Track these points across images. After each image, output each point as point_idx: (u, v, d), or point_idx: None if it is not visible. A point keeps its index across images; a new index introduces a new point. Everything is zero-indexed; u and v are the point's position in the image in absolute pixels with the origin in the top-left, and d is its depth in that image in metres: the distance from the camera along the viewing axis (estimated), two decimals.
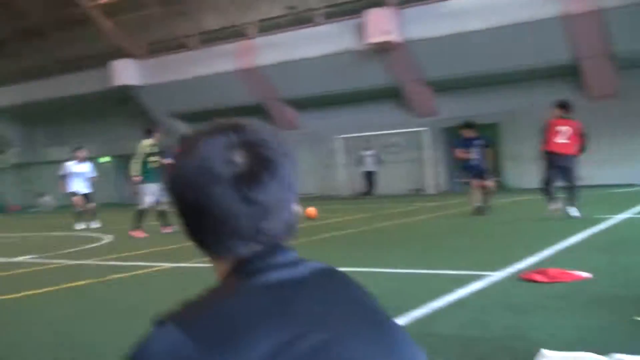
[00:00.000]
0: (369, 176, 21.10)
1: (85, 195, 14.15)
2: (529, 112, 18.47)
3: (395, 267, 6.08)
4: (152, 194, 11.10)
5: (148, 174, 11.04)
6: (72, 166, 14.26)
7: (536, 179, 11.12)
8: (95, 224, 13.96)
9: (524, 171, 18.38)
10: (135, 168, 11.20)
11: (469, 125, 12.52)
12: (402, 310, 4.19)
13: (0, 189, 27.50)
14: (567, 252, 6.45)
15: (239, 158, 0.93)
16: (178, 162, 0.98)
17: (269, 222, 0.94)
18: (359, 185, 21.80)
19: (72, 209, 14.60)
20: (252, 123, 1.00)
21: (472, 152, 12.08)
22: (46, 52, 27.81)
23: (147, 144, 11.26)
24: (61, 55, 27.45)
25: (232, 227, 0.93)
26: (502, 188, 18.40)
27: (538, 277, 5.03)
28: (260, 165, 0.94)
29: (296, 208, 1.01)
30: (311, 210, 12.85)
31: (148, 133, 11.57)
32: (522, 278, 5.11)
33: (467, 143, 12.20)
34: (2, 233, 14.41)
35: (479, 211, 11.55)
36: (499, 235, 8.56)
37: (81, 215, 14.04)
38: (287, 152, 0.99)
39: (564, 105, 10.17)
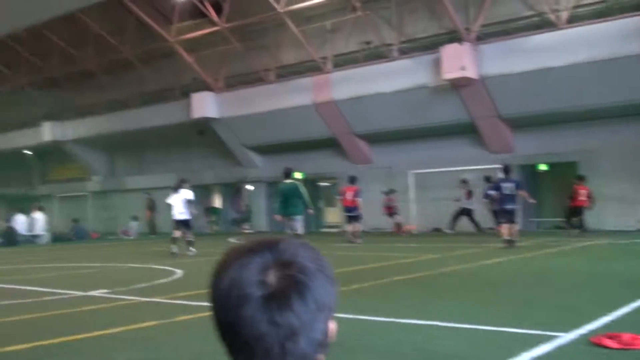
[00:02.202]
0: (463, 213, 19.97)
1: (184, 223, 14.88)
2: (610, 150, 17.88)
3: (452, 321, 5.88)
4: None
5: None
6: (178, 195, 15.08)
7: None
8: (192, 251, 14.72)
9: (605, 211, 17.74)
10: None
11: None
12: None
13: (83, 216, 28.63)
14: None
15: (271, 279, 0.96)
16: (213, 280, 1.01)
17: (296, 343, 0.96)
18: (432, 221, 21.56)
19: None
20: (287, 241, 1.03)
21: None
22: (131, 84, 29.09)
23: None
24: (144, 88, 28.67)
25: (260, 348, 0.95)
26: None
27: (610, 343, 4.78)
28: (291, 288, 0.96)
29: (331, 325, 1.02)
30: None
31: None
32: (592, 342, 4.87)
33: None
34: (83, 263, 15.00)
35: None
36: (570, 287, 8.16)
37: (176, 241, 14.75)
38: (322, 271, 1.01)
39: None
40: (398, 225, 21.09)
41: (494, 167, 20.05)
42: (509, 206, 13.78)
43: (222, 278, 0.99)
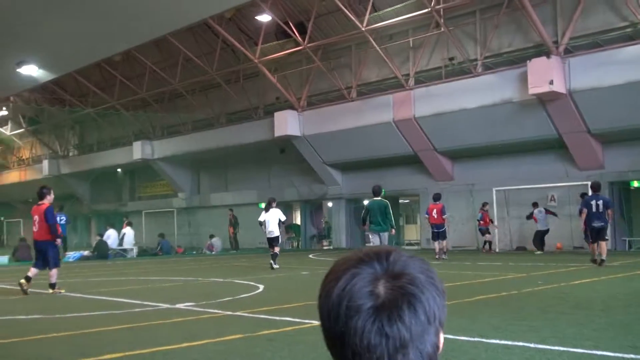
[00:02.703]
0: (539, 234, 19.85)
1: (275, 239, 15.80)
2: None
3: (542, 343, 5.65)
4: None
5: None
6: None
7: None
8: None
9: None
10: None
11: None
12: None
13: (169, 232, 29.50)
14: None
15: (381, 290, 0.96)
16: (323, 290, 1.01)
17: (405, 356, 0.95)
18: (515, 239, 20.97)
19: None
20: (398, 253, 1.02)
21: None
22: (216, 104, 29.95)
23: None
24: (229, 108, 29.45)
25: (368, 359, 0.95)
26: None
27: None
28: (401, 299, 0.95)
29: (440, 338, 1.00)
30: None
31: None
32: None
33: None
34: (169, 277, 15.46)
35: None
36: None
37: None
38: (432, 282, 1.00)
39: None
40: (489, 244, 20.56)
41: (582, 184, 19.37)
42: (596, 224, 13.52)
43: (332, 288, 0.99)
